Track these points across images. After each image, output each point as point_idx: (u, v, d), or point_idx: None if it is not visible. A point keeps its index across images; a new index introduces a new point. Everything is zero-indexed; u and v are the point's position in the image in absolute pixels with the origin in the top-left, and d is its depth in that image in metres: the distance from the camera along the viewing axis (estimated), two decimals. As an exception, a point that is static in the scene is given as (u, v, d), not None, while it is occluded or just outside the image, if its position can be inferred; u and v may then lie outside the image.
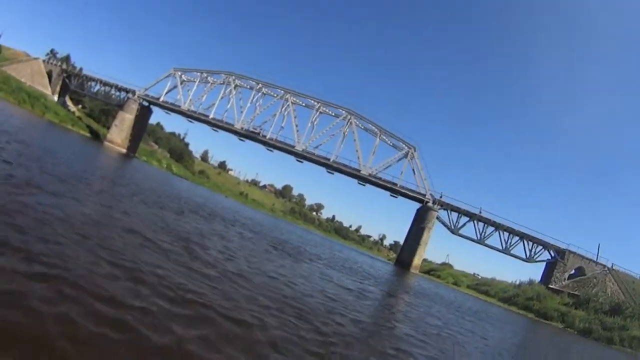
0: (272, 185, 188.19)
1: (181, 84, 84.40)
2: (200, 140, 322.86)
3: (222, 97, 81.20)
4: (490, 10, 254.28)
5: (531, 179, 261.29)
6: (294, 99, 76.99)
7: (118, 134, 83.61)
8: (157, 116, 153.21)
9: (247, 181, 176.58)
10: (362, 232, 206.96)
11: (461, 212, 68.84)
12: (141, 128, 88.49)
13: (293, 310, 5.82)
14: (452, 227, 68.34)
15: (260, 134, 76.50)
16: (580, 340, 42.23)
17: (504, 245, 67.44)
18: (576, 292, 63.28)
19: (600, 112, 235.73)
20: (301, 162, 76.12)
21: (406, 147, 71.42)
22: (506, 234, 67.51)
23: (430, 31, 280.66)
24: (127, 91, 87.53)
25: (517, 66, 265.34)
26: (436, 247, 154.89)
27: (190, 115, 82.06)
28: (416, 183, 70.33)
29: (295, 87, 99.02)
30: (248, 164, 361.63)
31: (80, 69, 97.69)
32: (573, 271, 67.04)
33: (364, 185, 72.87)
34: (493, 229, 67.82)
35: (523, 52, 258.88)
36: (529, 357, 12.65)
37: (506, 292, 65.00)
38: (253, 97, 79.45)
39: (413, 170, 70.64)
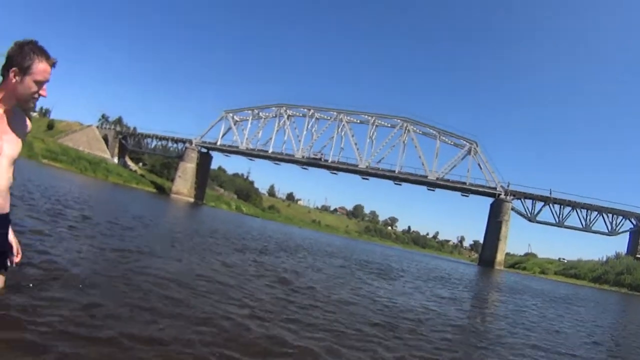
0: (343, 208, 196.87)
1: (235, 124, 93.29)
2: (264, 176, 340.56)
3: (277, 130, 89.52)
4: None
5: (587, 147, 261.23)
6: (348, 118, 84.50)
7: (183, 185, 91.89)
8: (218, 160, 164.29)
9: (317, 208, 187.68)
10: (440, 237, 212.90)
11: (535, 198, 73.31)
12: (204, 175, 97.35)
13: (407, 325, 6.87)
14: (529, 215, 73.01)
15: (322, 159, 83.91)
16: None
17: (583, 224, 71.18)
18: (668, 256, 65.53)
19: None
20: (367, 179, 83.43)
21: (467, 144, 77.30)
22: (584, 211, 71.27)
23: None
24: (183, 141, 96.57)
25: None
26: (516, 239, 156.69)
27: (250, 154, 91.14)
28: (484, 178, 75.65)
29: (345, 104, 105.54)
30: (315, 190, 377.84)
31: (134, 128, 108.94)
32: (659, 234, 68.88)
33: (433, 190, 79.17)
34: (570, 208, 71.89)
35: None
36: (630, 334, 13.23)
37: (595, 271, 67.13)
38: (307, 124, 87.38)
39: (479, 165, 76.30)
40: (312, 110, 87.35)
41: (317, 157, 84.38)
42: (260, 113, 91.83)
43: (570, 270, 71.13)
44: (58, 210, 12.03)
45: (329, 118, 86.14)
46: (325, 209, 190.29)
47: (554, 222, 72.29)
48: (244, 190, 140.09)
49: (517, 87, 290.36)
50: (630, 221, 70.05)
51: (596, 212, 70.72)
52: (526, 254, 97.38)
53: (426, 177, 76.47)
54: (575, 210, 71.55)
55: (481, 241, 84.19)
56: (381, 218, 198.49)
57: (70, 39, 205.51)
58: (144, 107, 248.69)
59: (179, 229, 18.46)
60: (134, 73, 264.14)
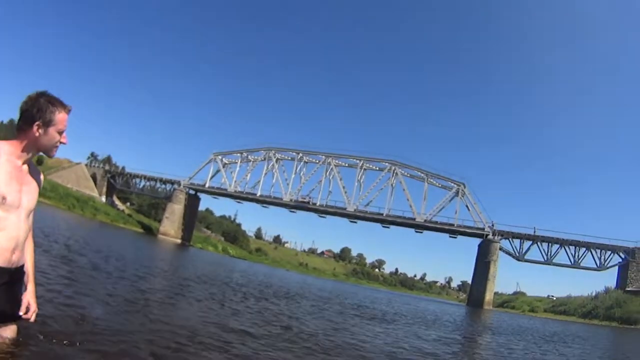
0: (330, 251, 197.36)
1: (223, 167, 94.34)
2: (251, 219, 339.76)
3: (265, 173, 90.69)
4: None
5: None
6: (337, 162, 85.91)
7: (170, 226, 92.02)
8: (206, 202, 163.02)
9: (304, 251, 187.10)
10: (427, 279, 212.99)
11: (523, 237, 74.54)
12: (192, 216, 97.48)
13: None
14: (517, 254, 74.04)
15: (310, 202, 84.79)
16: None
17: (572, 260, 72.29)
18: (656, 288, 66.53)
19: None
20: (355, 222, 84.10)
21: (455, 186, 78.64)
22: (572, 247, 72.45)
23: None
24: (172, 183, 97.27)
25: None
26: (505, 278, 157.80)
27: (238, 196, 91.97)
28: (472, 218, 76.78)
29: (333, 147, 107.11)
30: (303, 233, 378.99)
31: (123, 168, 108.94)
32: (648, 268, 70.03)
33: (421, 232, 79.88)
34: (558, 246, 72.98)
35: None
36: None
37: (584, 306, 67.94)
38: (296, 168, 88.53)
39: (467, 206, 77.40)
40: (300, 154, 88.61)
41: (305, 200, 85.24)
42: (249, 156, 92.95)
43: (560, 307, 71.87)
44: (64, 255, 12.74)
45: (317, 162, 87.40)
46: (312, 251, 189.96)
47: (543, 260, 73.30)
48: (231, 233, 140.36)
49: (502, 126, 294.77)
50: (619, 255, 71.07)
51: (584, 248, 71.83)
52: (515, 293, 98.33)
53: (414, 219, 77.28)
54: (563, 247, 72.64)
55: (469, 281, 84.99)
56: (368, 260, 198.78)
57: (61, 76, 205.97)
58: (133, 147, 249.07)
59: (173, 273, 19.08)
60: (124, 112, 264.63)
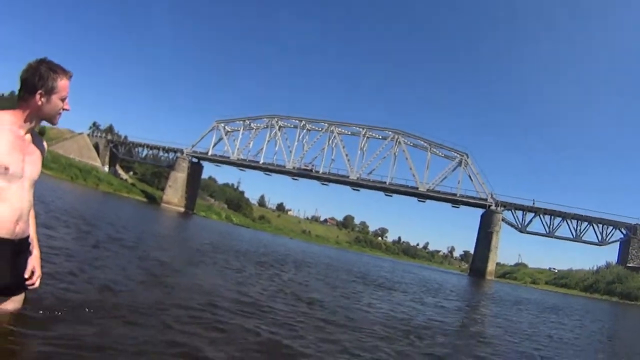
0: (333, 219, 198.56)
1: (226, 134, 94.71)
2: (254, 186, 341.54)
3: (268, 141, 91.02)
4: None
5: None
6: (339, 130, 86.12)
7: (173, 194, 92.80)
8: (209, 170, 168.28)
9: (307, 219, 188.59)
10: (430, 248, 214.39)
11: (525, 209, 75.09)
12: (195, 184, 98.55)
13: (412, 332, 7.46)
14: (520, 226, 74.76)
15: (313, 170, 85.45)
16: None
17: (574, 234, 73.01)
18: (657, 264, 67.28)
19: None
20: (358, 190, 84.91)
21: (458, 156, 79.01)
22: (574, 221, 73.07)
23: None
24: (175, 151, 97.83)
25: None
26: (507, 249, 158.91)
27: (241, 164, 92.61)
28: (475, 189, 77.32)
29: (336, 116, 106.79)
30: (306, 201, 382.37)
31: (125, 137, 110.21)
32: (649, 244, 70.66)
33: (424, 201, 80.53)
34: (560, 219, 73.61)
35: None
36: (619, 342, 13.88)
37: (585, 280, 68.99)
38: (299, 135, 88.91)
39: (469, 177, 77.93)
40: (303, 122, 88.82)
41: (308, 168, 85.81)
42: (252, 124, 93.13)
43: (561, 280, 72.88)
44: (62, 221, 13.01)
45: (320, 129, 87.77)
46: (315, 219, 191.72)
47: (545, 232, 73.99)
48: (235, 200, 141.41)
49: (507, 92, 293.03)
50: (620, 231, 71.84)
51: (586, 223, 72.42)
52: (517, 264, 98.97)
53: (417, 188, 77.80)
54: (565, 221, 73.22)
55: (471, 251, 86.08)
56: (371, 229, 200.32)
57: (63, 44, 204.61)
58: (136, 116, 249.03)
59: (184, 242, 19.45)
60: (126, 81, 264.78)
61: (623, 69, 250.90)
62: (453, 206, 79.37)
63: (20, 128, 3.14)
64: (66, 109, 3.31)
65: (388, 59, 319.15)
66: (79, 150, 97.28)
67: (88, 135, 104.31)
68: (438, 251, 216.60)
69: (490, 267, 71.73)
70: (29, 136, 3.23)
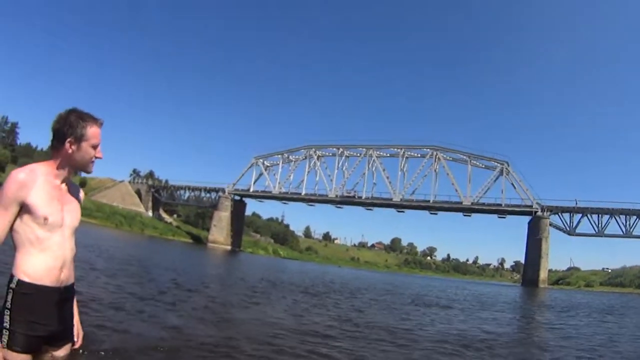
0: (380, 243, 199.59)
1: (266, 169, 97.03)
2: (299, 218, 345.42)
3: (308, 172, 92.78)
4: None
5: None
6: (378, 153, 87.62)
7: (219, 233, 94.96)
8: (252, 206, 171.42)
9: (354, 245, 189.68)
10: (480, 262, 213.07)
11: (572, 210, 74.86)
12: (239, 222, 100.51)
13: (470, 346, 7.92)
14: (568, 229, 74.43)
15: (356, 196, 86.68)
16: None
17: (624, 230, 71.87)
18: None
19: None
20: (402, 211, 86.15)
21: (499, 165, 79.65)
22: (623, 217, 72.07)
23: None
24: (216, 191, 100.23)
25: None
26: (557, 254, 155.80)
27: (283, 197, 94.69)
28: (519, 197, 77.48)
29: (372, 139, 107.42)
30: (351, 228, 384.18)
31: (166, 181, 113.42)
32: None
33: (469, 215, 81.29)
34: (608, 216, 72.81)
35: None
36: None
37: None
38: (338, 163, 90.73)
39: (512, 184, 78.18)
40: (341, 149, 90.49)
41: (350, 194, 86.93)
42: (290, 156, 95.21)
43: (616, 279, 72.82)
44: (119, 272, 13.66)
45: (358, 155, 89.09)
46: (362, 245, 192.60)
47: (594, 232, 73.14)
48: (280, 234, 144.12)
49: (535, 92, 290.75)
50: (672, 220, 70.15)
51: (635, 216, 71.18)
52: (569, 269, 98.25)
53: (461, 203, 78.37)
54: (613, 217, 72.24)
55: (522, 261, 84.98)
56: (419, 249, 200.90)
57: (94, 95, 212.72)
58: (175, 160, 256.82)
59: (234, 280, 20.12)
60: (162, 126, 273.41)
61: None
62: (499, 217, 79.64)
63: (56, 178, 3.21)
64: (99, 157, 3.32)
65: (421, 72, 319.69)
66: (122, 197, 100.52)
67: (129, 182, 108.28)
68: (488, 264, 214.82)
69: (543, 274, 71.24)
70: (65, 185, 3.30)
